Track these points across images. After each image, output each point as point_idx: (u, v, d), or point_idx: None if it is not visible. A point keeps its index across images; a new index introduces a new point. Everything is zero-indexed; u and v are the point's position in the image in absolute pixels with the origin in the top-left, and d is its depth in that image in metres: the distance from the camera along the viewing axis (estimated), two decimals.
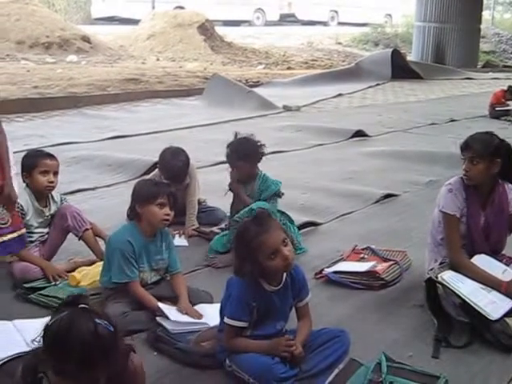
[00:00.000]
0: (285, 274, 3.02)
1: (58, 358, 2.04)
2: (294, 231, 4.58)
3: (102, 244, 4.27)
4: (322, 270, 4.26)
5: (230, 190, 4.63)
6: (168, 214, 3.61)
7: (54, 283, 3.92)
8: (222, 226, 4.95)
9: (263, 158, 7.30)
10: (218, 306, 3.20)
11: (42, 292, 3.81)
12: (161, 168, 4.88)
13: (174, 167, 4.79)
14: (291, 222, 4.66)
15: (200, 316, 3.46)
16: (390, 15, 31.65)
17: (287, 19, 33.27)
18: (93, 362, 2.03)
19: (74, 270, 4.05)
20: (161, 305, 3.48)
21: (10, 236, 3.38)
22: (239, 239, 2.95)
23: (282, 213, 4.64)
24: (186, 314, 3.46)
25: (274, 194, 4.62)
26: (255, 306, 2.94)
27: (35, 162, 4.10)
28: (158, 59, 17.29)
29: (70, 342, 2.01)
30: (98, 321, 2.05)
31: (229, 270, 4.12)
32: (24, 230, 3.50)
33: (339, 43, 24.52)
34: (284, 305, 3.05)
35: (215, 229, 4.91)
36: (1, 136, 3.38)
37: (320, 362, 2.95)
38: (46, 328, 2.08)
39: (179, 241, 4.66)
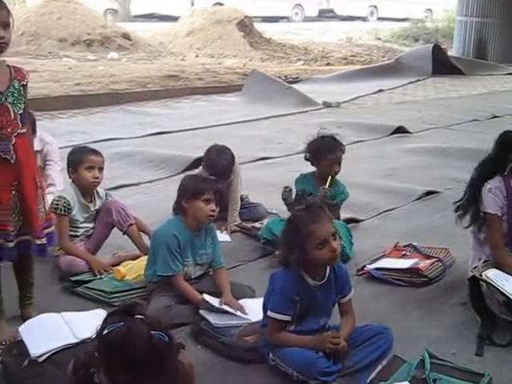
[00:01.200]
0: (328, 270, 3.04)
1: (113, 367, 2.08)
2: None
3: (145, 239, 4.33)
4: (364, 266, 4.27)
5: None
6: (214, 210, 3.66)
7: (99, 277, 4.00)
8: (264, 221, 4.99)
9: (301, 154, 7.41)
10: (260, 300, 3.24)
11: (87, 285, 3.90)
12: (206, 166, 4.90)
13: (219, 165, 4.81)
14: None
15: (242, 309, 3.49)
16: (430, 10, 31.27)
17: (326, 15, 33.16)
18: (147, 374, 2.06)
19: (118, 264, 4.12)
20: (206, 296, 3.52)
21: (46, 231, 3.44)
22: (290, 226, 3.00)
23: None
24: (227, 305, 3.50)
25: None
26: (298, 301, 2.97)
27: (81, 158, 4.18)
28: (197, 56, 17.39)
29: (125, 354, 2.04)
30: (153, 332, 2.08)
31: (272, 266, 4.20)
32: (53, 228, 3.55)
33: (379, 39, 24.35)
34: (327, 300, 3.07)
35: (257, 224, 4.94)
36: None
37: (363, 358, 2.97)
38: (101, 336, 2.11)
39: (221, 236, 4.69)
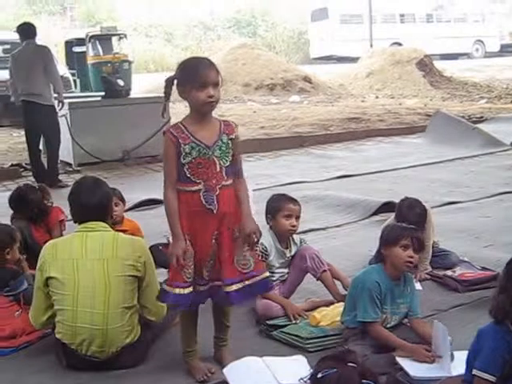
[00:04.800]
0: None
1: None
2: None
3: (338, 284, 4.40)
4: None
5: None
6: (412, 257, 3.65)
7: (294, 322, 4.07)
8: (456, 269, 4.89)
9: (491, 198, 7.18)
10: (460, 353, 3.18)
11: (283, 330, 3.98)
12: (397, 219, 4.85)
13: (410, 220, 4.75)
14: None
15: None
16: None
17: (509, 49, 32.07)
18: None
19: (311, 310, 4.20)
20: (399, 360, 3.49)
21: (252, 280, 3.54)
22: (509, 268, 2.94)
23: None
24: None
25: None
26: (508, 361, 2.87)
27: (280, 206, 4.33)
28: (377, 97, 17.45)
29: None
30: (364, 381, 2.14)
31: (466, 317, 4.10)
32: (267, 273, 3.59)
33: None
34: None
35: (449, 272, 4.85)
36: (241, 180, 3.58)
37: None
38: (315, 379, 2.22)
39: None
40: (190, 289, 3.35)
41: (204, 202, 3.33)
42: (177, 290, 3.34)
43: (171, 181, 3.36)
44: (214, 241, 3.37)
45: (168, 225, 3.42)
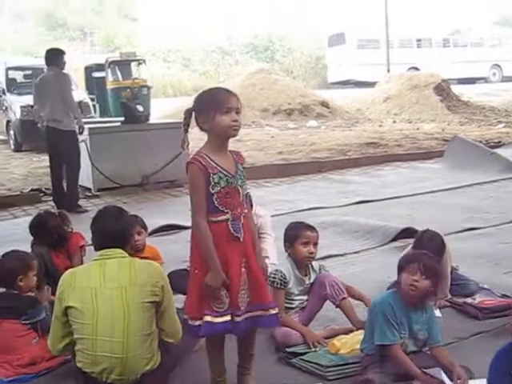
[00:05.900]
0: None
1: None
2: None
3: (357, 312, 4.38)
4: None
5: None
6: (416, 280, 3.67)
7: (313, 349, 4.06)
8: (476, 297, 4.86)
9: (511, 224, 7.14)
10: (482, 381, 3.16)
11: (303, 357, 3.97)
12: (416, 249, 4.83)
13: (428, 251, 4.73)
14: None
15: None
16: None
17: None
18: None
19: (330, 337, 4.18)
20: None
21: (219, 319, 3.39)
22: None
23: None
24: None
25: None
26: None
27: (297, 233, 4.33)
28: (394, 121, 17.46)
29: None
30: None
31: (487, 345, 4.06)
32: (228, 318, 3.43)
33: None
34: None
35: (469, 300, 4.82)
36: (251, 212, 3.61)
37: None
38: None
39: None
40: (228, 317, 3.36)
41: (232, 231, 3.35)
42: (208, 318, 3.34)
43: (202, 210, 3.32)
44: (243, 269, 3.39)
45: (190, 253, 3.44)
